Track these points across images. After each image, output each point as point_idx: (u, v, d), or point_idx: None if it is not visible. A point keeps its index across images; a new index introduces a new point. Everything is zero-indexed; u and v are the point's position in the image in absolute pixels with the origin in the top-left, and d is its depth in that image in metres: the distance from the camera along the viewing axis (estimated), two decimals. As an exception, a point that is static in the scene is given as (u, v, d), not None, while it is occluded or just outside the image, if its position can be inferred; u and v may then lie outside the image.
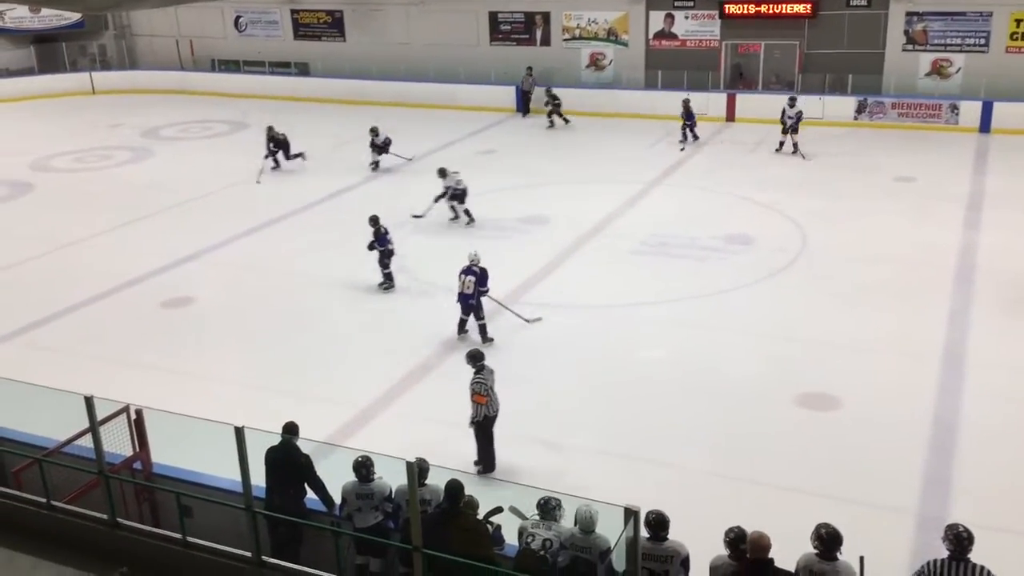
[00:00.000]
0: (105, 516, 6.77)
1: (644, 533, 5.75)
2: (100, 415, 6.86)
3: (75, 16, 33.33)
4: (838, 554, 5.71)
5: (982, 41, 24.01)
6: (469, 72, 28.85)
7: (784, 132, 21.54)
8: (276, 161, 21.33)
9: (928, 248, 15.30)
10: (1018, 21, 23.57)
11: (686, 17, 26.88)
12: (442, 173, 17.24)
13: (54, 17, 33.04)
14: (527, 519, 6.39)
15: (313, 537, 7.23)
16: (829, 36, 25.41)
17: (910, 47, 24.76)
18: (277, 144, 21.28)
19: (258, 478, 6.92)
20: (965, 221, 16.57)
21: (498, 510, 6.60)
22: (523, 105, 27.46)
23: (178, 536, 6.53)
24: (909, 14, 24.52)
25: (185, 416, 7.33)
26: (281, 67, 32.46)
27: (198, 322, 13.56)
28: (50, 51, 33.45)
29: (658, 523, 5.99)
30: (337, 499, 7.19)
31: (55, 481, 7.11)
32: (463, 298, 12.11)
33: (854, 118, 24.42)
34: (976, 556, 5.69)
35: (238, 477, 6.40)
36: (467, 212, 17.20)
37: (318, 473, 7.39)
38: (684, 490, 8.83)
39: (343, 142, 23.20)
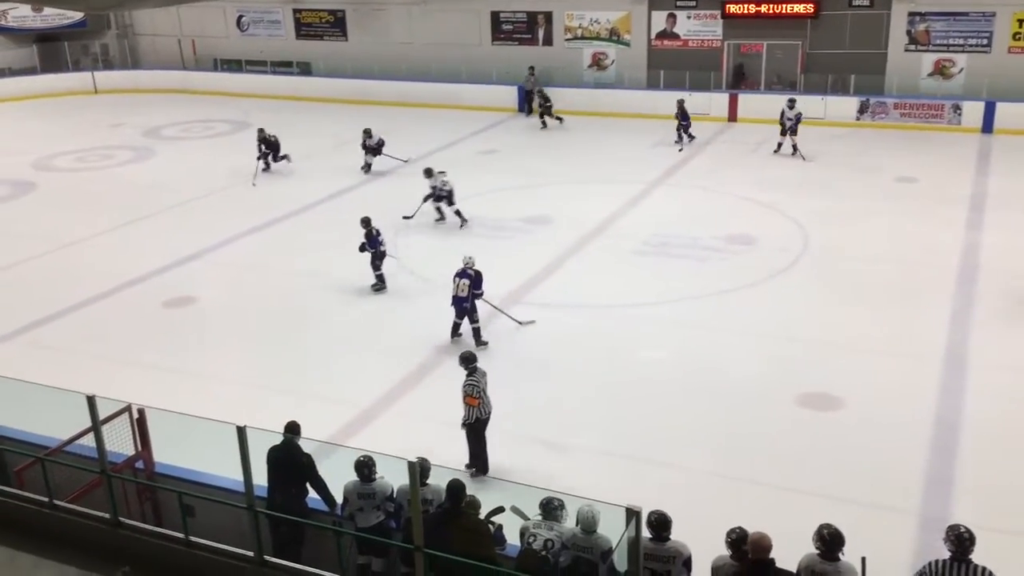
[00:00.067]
0: (107, 515, 6.76)
1: (646, 533, 5.75)
2: (102, 414, 6.86)
3: (77, 15, 33.34)
4: (840, 555, 5.70)
5: (985, 41, 23.99)
6: (471, 72, 28.85)
7: (783, 133, 21.49)
8: (267, 163, 21.29)
9: (930, 249, 15.30)
10: (1021, 21, 23.54)
11: (688, 17, 26.86)
12: (428, 173, 17.21)
13: (56, 16, 33.05)
14: (529, 519, 6.39)
15: (315, 537, 7.24)
16: (831, 36, 25.39)
17: (912, 47, 24.74)
18: (268, 146, 21.25)
19: (260, 477, 6.92)
20: (967, 222, 16.55)
21: (500, 510, 6.60)
22: (526, 105, 27.47)
23: (180, 535, 6.53)
24: (911, 14, 24.50)
25: (187, 415, 7.33)
26: (283, 67, 32.46)
27: (199, 322, 13.57)
28: (52, 50, 33.48)
29: (660, 523, 5.99)
30: (339, 499, 7.20)
31: (57, 480, 7.11)
32: (457, 301, 12.09)
33: (856, 118, 24.40)
34: (977, 557, 5.69)
35: (240, 476, 6.40)
36: (457, 213, 17.06)
37: (320, 473, 7.40)
38: (686, 490, 8.82)
39: (344, 142, 23.19)
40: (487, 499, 6.72)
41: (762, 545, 5.76)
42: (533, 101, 26.99)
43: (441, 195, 17.07)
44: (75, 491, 7.21)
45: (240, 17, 33.33)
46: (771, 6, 25.46)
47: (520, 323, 12.70)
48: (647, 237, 16.22)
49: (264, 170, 21.17)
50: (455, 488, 6.50)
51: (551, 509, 6.28)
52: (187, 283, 14.89)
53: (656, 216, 17.53)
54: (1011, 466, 9.24)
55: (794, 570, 5.80)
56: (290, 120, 26.03)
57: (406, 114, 27.43)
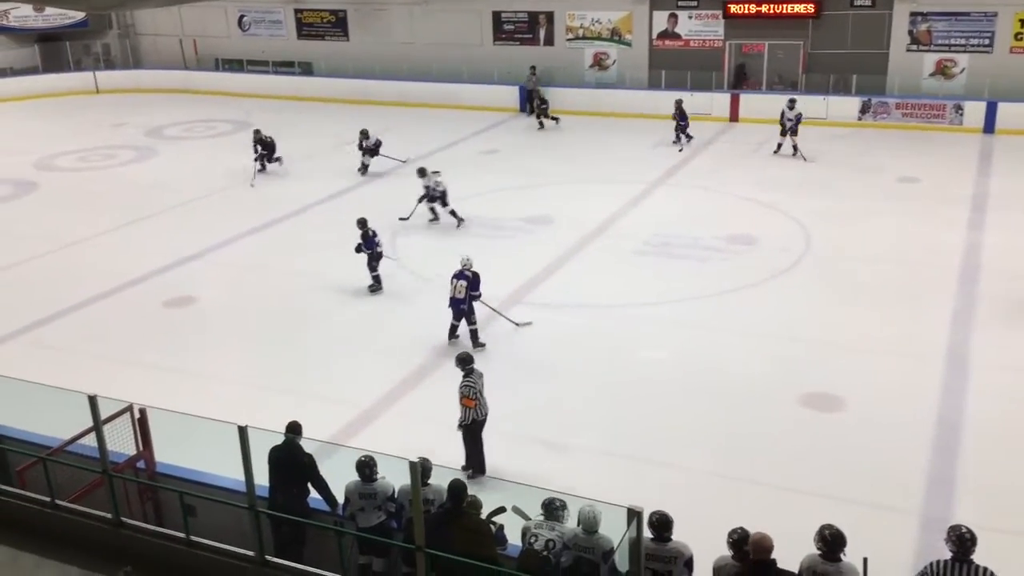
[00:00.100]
0: (109, 515, 6.77)
1: (648, 534, 5.75)
2: (104, 414, 6.86)
3: (79, 15, 33.34)
4: (842, 555, 5.70)
5: (986, 41, 23.96)
6: (472, 72, 28.84)
7: (783, 134, 21.46)
8: (263, 164, 21.27)
9: (932, 249, 15.29)
10: (1022, 21, 23.52)
11: (690, 17, 26.85)
12: (421, 173, 17.18)
13: (58, 16, 33.07)
14: (530, 519, 6.39)
15: (316, 537, 7.24)
16: (833, 36, 25.37)
17: (914, 47, 24.71)
18: (264, 146, 21.24)
19: (261, 477, 6.92)
20: (969, 222, 16.54)
21: (501, 510, 6.60)
22: (527, 105, 27.45)
23: (182, 535, 6.53)
24: (913, 14, 24.48)
25: (188, 415, 7.34)
26: (284, 66, 32.47)
27: (200, 321, 13.58)
28: (54, 50, 33.49)
29: (661, 524, 5.99)
30: (340, 499, 7.20)
31: (59, 480, 7.12)
32: (454, 303, 12.07)
33: (858, 118, 24.38)
34: (979, 557, 5.69)
35: (241, 476, 6.39)
36: (453, 213, 17.00)
37: (321, 473, 7.40)
38: (686, 490, 8.82)
39: (345, 142, 23.19)
40: (488, 499, 6.72)
41: (763, 546, 5.75)
42: (534, 101, 27.01)
43: (435, 195, 17.02)
44: (77, 491, 7.22)
45: (241, 17, 33.35)
46: (772, 6, 25.44)
47: (517, 324, 12.68)
48: (648, 237, 16.22)
49: (260, 171, 21.15)
50: (457, 488, 6.50)
51: (553, 509, 6.28)
52: (188, 283, 14.89)
53: (657, 216, 17.52)
54: (1012, 466, 9.23)
55: (796, 570, 5.80)
56: (291, 120, 26.06)
57: (407, 114, 27.45)
